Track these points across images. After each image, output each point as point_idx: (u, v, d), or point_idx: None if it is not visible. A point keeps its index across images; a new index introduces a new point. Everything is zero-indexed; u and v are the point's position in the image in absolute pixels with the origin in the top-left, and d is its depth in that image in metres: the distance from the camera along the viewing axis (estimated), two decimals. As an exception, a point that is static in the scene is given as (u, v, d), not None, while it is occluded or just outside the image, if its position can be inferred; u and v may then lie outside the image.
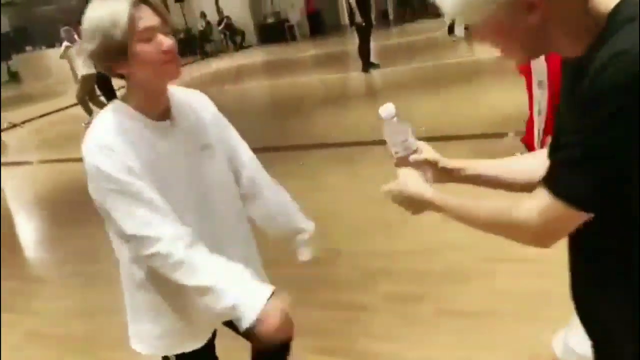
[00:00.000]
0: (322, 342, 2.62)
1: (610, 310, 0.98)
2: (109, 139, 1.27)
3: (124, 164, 1.26)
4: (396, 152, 1.23)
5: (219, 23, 16.03)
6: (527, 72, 3.85)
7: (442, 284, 2.89)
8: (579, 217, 0.88)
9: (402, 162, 1.21)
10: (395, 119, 1.23)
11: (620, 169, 0.82)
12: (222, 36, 16.28)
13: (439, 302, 2.73)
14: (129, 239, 1.31)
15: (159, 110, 1.35)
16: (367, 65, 9.07)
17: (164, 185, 1.33)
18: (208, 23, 16.45)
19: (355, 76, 9.32)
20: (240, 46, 15.91)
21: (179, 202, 1.36)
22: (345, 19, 17.13)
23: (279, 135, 6.51)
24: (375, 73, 9.10)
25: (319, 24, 16.03)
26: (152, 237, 1.27)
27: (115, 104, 1.35)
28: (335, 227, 3.79)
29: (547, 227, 0.91)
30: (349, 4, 8.89)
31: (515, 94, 4.64)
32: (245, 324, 1.26)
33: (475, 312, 2.60)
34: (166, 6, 18.15)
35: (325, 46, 14.01)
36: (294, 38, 16.09)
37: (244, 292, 1.29)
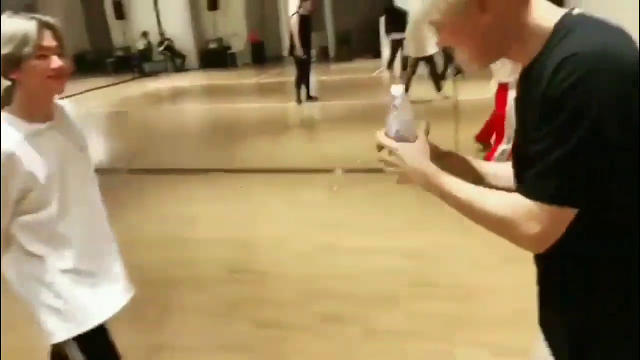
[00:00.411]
0: (247, 358, 2.73)
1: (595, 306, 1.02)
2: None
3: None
4: (397, 131, 1.21)
5: (160, 44, 15.97)
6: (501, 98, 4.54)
7: (369, 306, 3.09)
8: (569, 216, 0.94)
9: (402, 141, 1.19)
10: (405, 98, 1.22)
11: (592, 162, 0.89)
12: (163, 57, 16.20)
13: (367, 324, 2.92)
14: None
15: (41, 115, 1.65)
16: (301, 98, 9.41)
17: (56, 179, 1.64)
18: (149, 43, 16.34)
19: (293, 107, 9.60)
20: (180, 68, 15.88)
21: (68, 193, 1.68)
22: (286, 51, 17.57)
23: (216, 158, 6.61)
24: (312, 105, 9.41)
25: (261, 54, 16.32)
26: None
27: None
28: (274, 249, 3.94)
29: (546, 231, 0.96)
30: (290, 37, 9.22)
31: (448, 132, 5.06)
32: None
33: (397, 332, 2.81)
34: (106, 23, 17.98)
35: (266, 76, 14.27)
36: (235, 65, 16.26)
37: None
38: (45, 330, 1.71)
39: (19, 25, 1.54)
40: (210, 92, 12.94)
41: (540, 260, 1.13)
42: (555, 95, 0.89)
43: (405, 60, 9.93)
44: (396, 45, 10.43)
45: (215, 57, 16.10)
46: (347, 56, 14.76)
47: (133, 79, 15.90)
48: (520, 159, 1.06)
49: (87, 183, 1.80)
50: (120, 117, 10.84)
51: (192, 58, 16.40)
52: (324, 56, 15.57)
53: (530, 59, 1.00)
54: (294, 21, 9.18)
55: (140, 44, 16.46)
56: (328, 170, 5.52)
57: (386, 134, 1.20)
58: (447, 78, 8.65)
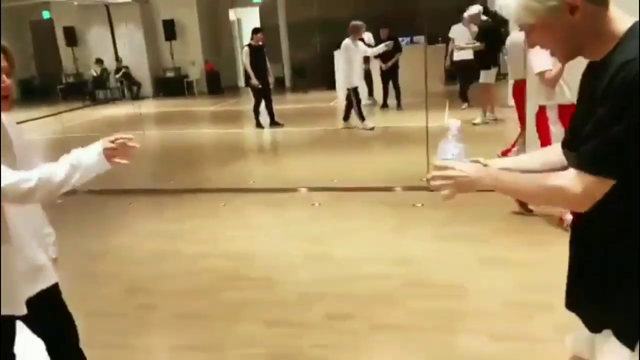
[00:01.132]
0: (272, 351, 2.92)
1: (619, 255, 1.28)
2: None
3: None
4: (453, 155, 1.50)
5: (117, 71, 15.89)
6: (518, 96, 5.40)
7: (369, 304, 3.35)
8: (609, 185, 1.21)
9: (443, 169, 1.45)
10: (459, 129, 1.54)
11: (635, 147, 1.15)
12: (119, 84, 16.12)
13: (370, 320, 3.17)
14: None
15: None
16: (261, 123, 9.88)
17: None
18: (104, 70, 16.23)
19: (254, 132, 9.92)
20: (136, 96, 15.83)
21: None
22: (242, 81, 17.86)
23: (189, 179, 6.73)
24: (274, 131, 9.75)
25: (217, 84, 16.51)
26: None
27: None
28: (267, 259, 4.14)
29: (588, 196, 1.23)
30: (244, 68, 9.64)
31: (398, 157, 5.40)
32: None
33: (400, 326, 3.08)
34: (57, 49, 17.72)
35: (223, 104, 14.48)
36: (192, 94, 16.38)
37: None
38: None
39: None
40: (169, 118, 12.99)
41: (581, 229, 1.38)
42: (615, 88, 1.16)
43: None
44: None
45: (172, 85, 16.17)
46: (303, 87, 15.20)
47: (84, 106, 15.70)
48: (576, 139, 1.32)
49: None
50: (79, 142, 10.71)
51: (148, 86, 16.39)
52: (280, 87, 15.96)
53: (602, 57, 1.26)
54: (245, 52, 9.70)
55: (94, 71, 16.31)
56: (308, 188, 5.79)
57: (444, 158, 1.48)
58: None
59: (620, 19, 1.26)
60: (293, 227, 4.82)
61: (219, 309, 3.45)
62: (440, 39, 12.01)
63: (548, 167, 1.51)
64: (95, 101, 16.29)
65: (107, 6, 16.14)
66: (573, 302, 1.48)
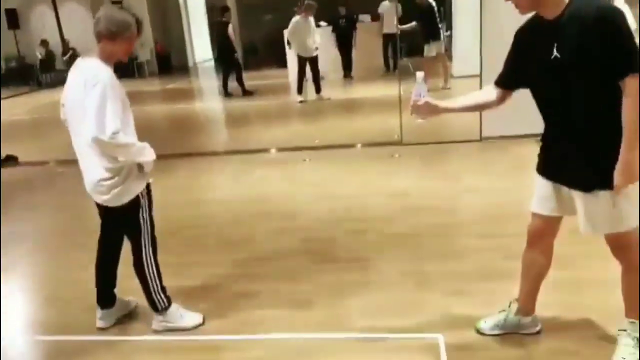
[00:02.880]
0: (313, 257, 3.77)
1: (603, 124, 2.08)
2: None
3: None
4: (416, 99, 2.38)
5: (64, 53, 15.82)
6: None
7: (378, 222, 4.25)
8: None
9: (416, 103, 2.38)
10: (423, 80, 2.44)
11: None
12: (67, 66, 16.05)
13: (383, 232, 4.08)
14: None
15: None
16: (227, 93, 11.08)
17: None
18: (50, 52, 16.10)
19: (222, 105, 10.64)
20: (86, 78, 15.88)
21: None
22: (192, 60, 18.19)
23: (193, 144, 7.33)
24: (242, 104, 10.51)
25: (167, 64, 16.82)
26: None
27: None
28: (282, 201, 4.94)
29: None
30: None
31: (367, 120, 6.27)
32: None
33: (407, 234, 4.00)
34: (-3, 32, 17.30)
35: (175, 84, 14.93)
36: (142, 75, 16.58)
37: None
38: None
39: None
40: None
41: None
42: (610, 27, 1.96)
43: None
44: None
45: (122, 67, 16.23)
46: (255, 65, 15.80)
47: (31, 91, 15.60)
48: (562, 71, 2.10)
49: None
50: (53, 122, 10.95)
51: (98, 68, 16.44)
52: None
53: (554, 16, 2.08)
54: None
55: (39, 54, 16.15)
56: (295, 148, 6.61)
57: (415, 99, 2.37)
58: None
59: None
60: (293, 177, 5.64)
61: (256, 235, 4.24)
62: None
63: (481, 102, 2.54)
64: (41, 85, 16.18)
65: (51, -14, 15.98)
66: (553, 173, 2.40)
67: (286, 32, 10.42)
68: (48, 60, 16.24)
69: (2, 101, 13.17)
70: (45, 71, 16.36)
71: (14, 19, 16.52)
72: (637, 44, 1.99)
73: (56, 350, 2.94)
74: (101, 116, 2.53)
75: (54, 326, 3.14)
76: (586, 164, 2.18)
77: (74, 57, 15.99)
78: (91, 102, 2.55)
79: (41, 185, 6.29)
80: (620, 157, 2.05)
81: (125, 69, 16.18)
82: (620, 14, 2.01)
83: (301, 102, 9.83)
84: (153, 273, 2.88)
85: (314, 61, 9.87)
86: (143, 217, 2.81)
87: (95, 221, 3.04)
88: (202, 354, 2.81)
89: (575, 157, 2.21)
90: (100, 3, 16.33)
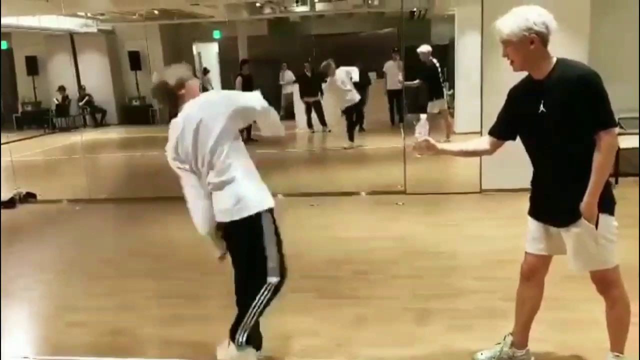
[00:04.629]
0: (319, 293, 3.94)
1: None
2: None
3: None
4: (417, 137, 2.71)
5: (81, 99, 16.42)
6: None
7: (381, 264, 4.45)
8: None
9: (419, 141, 2.70)
10: (425, 121, 2.84)
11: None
12: (82, 112, 16.62)
13: (386, 273, 4.28)
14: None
15: None
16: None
17: None
18: (66, 97, 16.69)
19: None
20: (100, 123, 16.39)
21: None
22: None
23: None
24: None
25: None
26: None
27: None
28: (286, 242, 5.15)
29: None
30: None
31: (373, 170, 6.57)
32: None
33: (408, 275, 4.20)
34: (14, 78, 18.00)
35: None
36: (155, 122, 17.09)
37: None
38: None
39: None
40: (137, 143, 13.73)
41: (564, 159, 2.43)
42: (590, 90, 2.28)
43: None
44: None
45: (137, 113, 16.85)
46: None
47: (45, 134, 16.10)
48: (547, 124, 2.45)
49: None
50: (67, 163, 11.32)
51: (112, 114, 16.99)
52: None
53: (543, 76, 2.44)
54: (239, 82, 11.18)
55: (56, 99, 16.73)
56: (303, 194, 6.86)
57: (417, 137, 2.71)
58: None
59: (550, 55, 2.39)
60: (300, 220, 5.86)
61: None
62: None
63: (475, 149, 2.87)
64: (55, 129, 16.67)
65: (71, 35, 16.74)
66: (540, 213, 2.64)
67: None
68: (64, 105, 16.80)
69: (17, 143, 13.65)
70: (60, 115, 16.89)
71: (33, 65, 17.21)
72: (609, 104, 2.33)
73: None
74: None
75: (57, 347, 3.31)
76: (567, 203, 2.44)
77: (89, 102, 16.64)
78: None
79: (60, 220, 6.53)
80: (585, 198, 2.36)
81: (139, 116, 16.77)
82: (598, 78, 2.33)
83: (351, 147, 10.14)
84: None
85: (357, 108, 10.35)
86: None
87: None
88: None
89: (558, 197, 2.49)
90: (117, 52, 17.19)
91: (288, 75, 14.97)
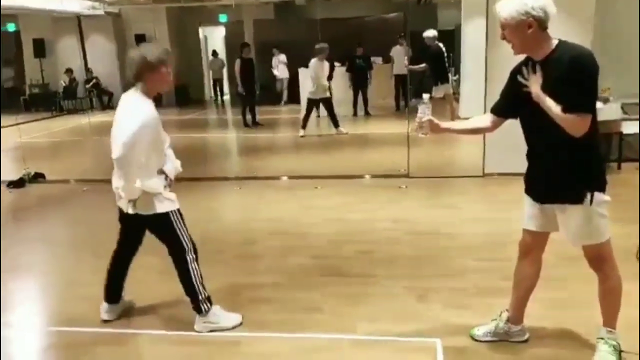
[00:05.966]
0: (323, 271, 4.05)
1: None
2: None
3: None
4: (421, 117, 2.75)
5: (88, 81, 16.50)
6: None
7: (383, 244, 4.54)
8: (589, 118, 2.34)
9: (421, 121, 2.73)
10: (428, 100, 2.83)
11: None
12: (89, 94, 16.70)
13: (388, 253, 4.38)
14: None
15: None
16: (247, 122, 11.69)
17: None
18: (73, 79, 16.77)
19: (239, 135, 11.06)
20: (107, 105, 16.47)
21: None
22: (208, 94, 18.84)
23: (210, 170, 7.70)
24: (257, 135, 10.98)
25: (185, 96, 17.41)
26: None
27: None
28: (295, 222, 5.26)
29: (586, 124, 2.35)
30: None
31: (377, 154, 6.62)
32: None
33: (410, 255, 4.30)
34: (22, 60, 18.09)
35: (192, 114, 15.55)
36: (161, 104, 17.18)
37: None
38: None
39: None
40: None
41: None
42: (575, 70, 2.33)
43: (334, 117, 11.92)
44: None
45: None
46: (270, 101, 16.38)
47: (52, 116, 16.20)
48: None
49: None
50: (74, 145, 11.44)
51: (119, 96, 17.02)
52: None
53: (542, 57, 2.51)
54: (237, 64, 11.25)
55: (63, 81, 16.81)
56: (309, 176, 6.96)
57: (420, 117, 2.73)
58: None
59: (550, 37, 2.45)
60: (306, 202, 5.96)
61: (270, 251, 4.54)
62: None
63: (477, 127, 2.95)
64: (62, 111, 16.77)
65: (78, 18, 16.77)
66: (535, 191, 2.71)
67: (304, 70, 10.99)
68: (71, 88, 16.89)
69: (25, 125, 13.77)
70: (68, 98, 16.98)
71: (41, 48, 17.26)
72: (591, 89, 2.37)
73: (70, 341, 3.23)
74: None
75: (67, 319, 3.44)
76: (561, 181, 2.53)
77: (96, 85, 16.72)
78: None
79: (68, 199, 6.65)
80: (545, 99, 2.41)
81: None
82: (590, 59, 2.37)
83: (302, 136, 10.15)
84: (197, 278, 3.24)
85: (327, 101, 10.30)
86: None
87: (113, 232, 3.40)
88: (221, 347, 3.09)
89: (552, 175, 2.57)
90: (123, 35, 17.24)
91: (282, 59, 15.34)
